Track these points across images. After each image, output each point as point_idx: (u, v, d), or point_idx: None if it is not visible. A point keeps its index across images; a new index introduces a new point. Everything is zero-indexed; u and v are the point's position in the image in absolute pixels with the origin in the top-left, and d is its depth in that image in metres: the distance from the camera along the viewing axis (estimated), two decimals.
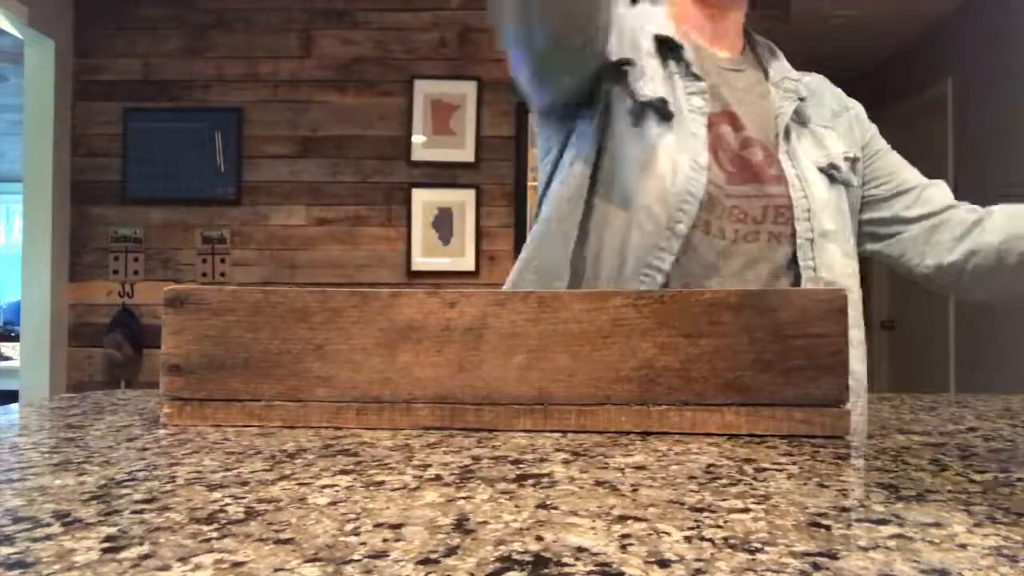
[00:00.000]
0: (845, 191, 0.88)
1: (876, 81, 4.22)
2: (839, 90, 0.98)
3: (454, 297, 0.60)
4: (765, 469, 0.45)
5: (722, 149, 0.82)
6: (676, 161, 0.79)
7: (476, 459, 0.48)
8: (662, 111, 0.81)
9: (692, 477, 0.43)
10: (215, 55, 3.22)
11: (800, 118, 0.88)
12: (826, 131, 0.90)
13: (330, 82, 3.20)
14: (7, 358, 4.49)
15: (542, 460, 0.48)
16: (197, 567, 0.28)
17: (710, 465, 0.46)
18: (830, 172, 0.86)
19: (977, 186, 3.21)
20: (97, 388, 3.04)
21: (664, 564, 0.28)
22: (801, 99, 0.89)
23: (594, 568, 0.28)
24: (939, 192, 0.96)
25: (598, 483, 0.41)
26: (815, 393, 0.57)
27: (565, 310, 0.59)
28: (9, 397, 3.06)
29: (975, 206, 0.94)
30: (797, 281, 0.81)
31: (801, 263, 0.80)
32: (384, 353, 0.60)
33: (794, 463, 0.47)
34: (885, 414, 0.69)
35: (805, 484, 0.41)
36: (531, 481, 0.42)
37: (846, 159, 0.88)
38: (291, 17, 3.23)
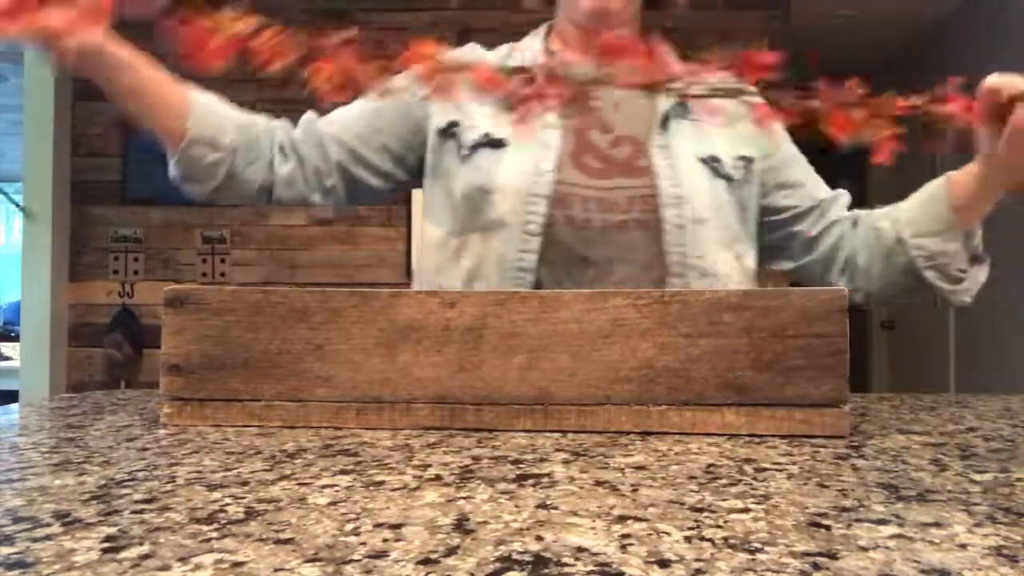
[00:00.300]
0: (727, 185, 0.90)
1: (876, 81, 4.21)
2: (751, 97, 1.00)
3: (454, 297, 0.60)
4: (765, 469, 0.45)
5: (588, 151, 0.88)
6: (518, 173, 0.86)
7: (476, 459, 0.48)
8: (492, 143, 0.88)
9: (692, 477, 0.43)
10: None
11: (683, 112, 0.92)
12: (715, 129, 0.93)
13: None
14: (7, 358, 4.49)
15: (542, 460, 0.48)
16: (197, 567, 0.28)
17: (710, 465, 0.46)
18: (712, 165, 0.89)
19: None
20: (97, 388, 3.04)
21: (664, 564, 0.28)
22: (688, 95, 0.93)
23: (594, 568, 0.28)
24: (838, 205, 0.98)
25: (598, 483, 0.41)
26: (815, 393, 0.57)
27: (565, 310, 0.59)
28: (9, 397, 3.05)
29: (853, 215, 0.97)
30: (669, 268, 0.85)
31: (671, 249, 0.84)
32: (384, 353, 0.60)
33: (794, 463, 0.47)
34: (885, 414, 0.69)
35: (805, 484, 0.41)
36: (531, 481, 0.42)
37: (740, 158, 0.91)
38: (291, 17, 3.22)
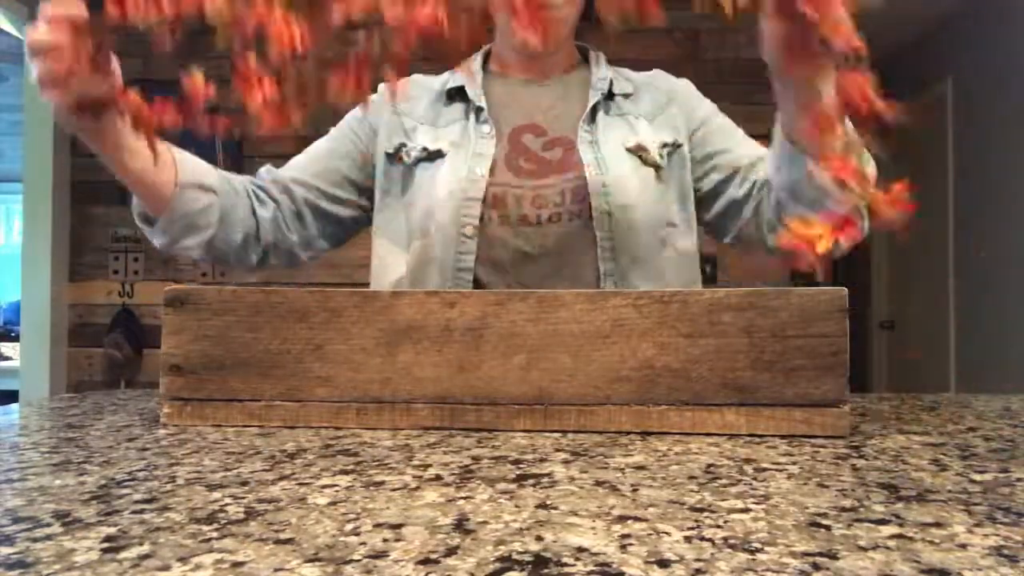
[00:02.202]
0: (656, 172, 0.94)
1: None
2: (678, 84, 1.03)
3: (454, 297, 0.60)
4: (765, 469, 0.45)
5: (523, 155, 0.94)
6: (453, 180, 0.91)
7: (476, 459, 0.48)
8: (431, 155, 0.95)
9: (692, 477, 0.43)
10: (215, 55, 3.22)
11: (607, 109, 0.97)
12: (639, 120, 0.97)
13: None
14: (7, 358, 4.49)
15: (542, 460, 0.48)
16: (197, 567, 0.28)
17: (710, 465, 0.46)
18: (639, 154, 0.93)
19: (977, 186, 3.21)
20: (97, 388, 3.04)
21: (664, 564, 0.28)
22: (611, 93, 0.98)
23: (594, 568, 0.28)
24: (763, 165, 0.94)
25: (598, 483, 0.41)
26: (815, 393, 0.57)
27: (565, 310, 0.59)
28: (9, 397, 3.05)
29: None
30: (602, 255, 0.89)
31: (599, 234, 0.89)
32: (384, 353, 0.60)
33: (794, 463, 0.47)
34: (885, 414, 0.69)
35: (805, 484, 0.41)
36: (531, 481, 0.42)
37: (663, 145, 0.95)
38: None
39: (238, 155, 3.13)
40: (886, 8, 3.49)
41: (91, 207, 3.22)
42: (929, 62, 3.72)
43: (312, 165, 1.00)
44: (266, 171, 1.00)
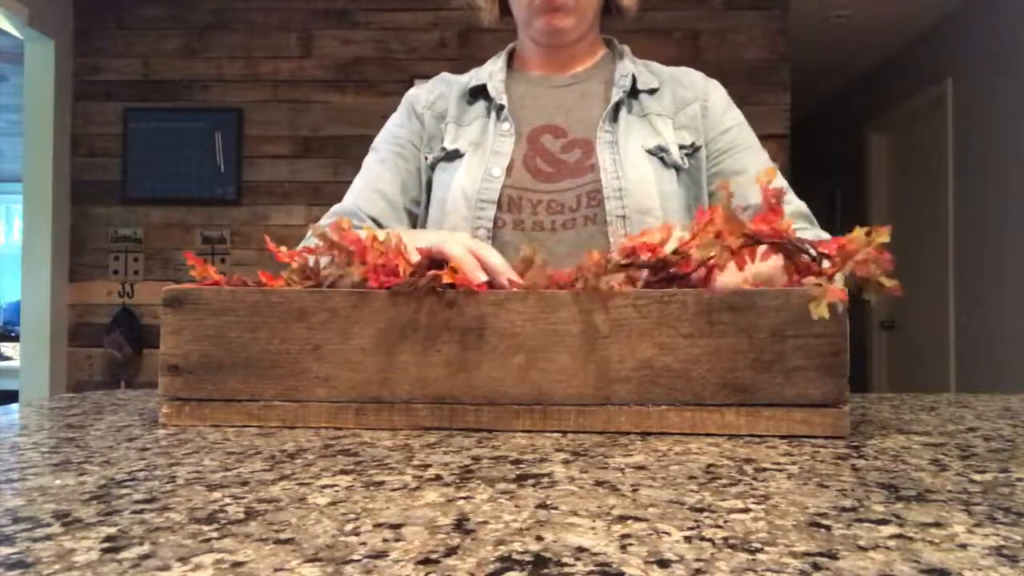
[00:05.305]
0: (677, 175, 0.93)
1: (876, 81, 4.21)
2: (708, 84, 1.01)
3: (454, 297, 0.60)
4: (765, 469, 0.45)
5: (541, 156, 0.94)
6: (468, 181, 0.92)
7: (476, 459, 0.48)
8: (449, 155, 0.96)
9: (692, 477, 0.43)
10: (215, 55, 3.22)
11: (630, 107, 0.96)
12: (661, 119, 0.96)
13: (330, 82, 3.19)
14: (7, 358, 4.49)
15: (542, 460, 0.48)
16: (197, 567, 0.28)
17: (710, 465, 0.46)
18: (660, 155, 0.93)
19: (977, 186, 3.21)
20: (97, 388, 3.04)
21: (664, 564, 0.28)
22: (635, 90, 0.97)
23: (594, 568, 0.28)
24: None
25: (598, 483, 0.41)
26: (815, 393, 0.57)
27: (565, 310, 0.59)
28: (9, 397, 3.05)
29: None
30: None
31: (612, 239, 0.88)
32: (383, 353, 0.60)
33: (794, 463, 0.47)
34: (885, 414, 0.69)
35: (805, 484, 0.41)
36: (531, 481, 0.42)
37: (681, 147, 0.94)
38: (291, 17, 3.22)
39: (238, 155, 3.13)
40: (887, 8, 3.49)
41: (91, 207, 3.22)
42: (929, 62, 3.72)
43: (389, 186, 0.99)
44: (351, 212, 0.96)
